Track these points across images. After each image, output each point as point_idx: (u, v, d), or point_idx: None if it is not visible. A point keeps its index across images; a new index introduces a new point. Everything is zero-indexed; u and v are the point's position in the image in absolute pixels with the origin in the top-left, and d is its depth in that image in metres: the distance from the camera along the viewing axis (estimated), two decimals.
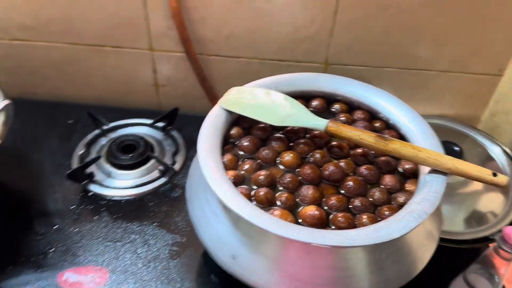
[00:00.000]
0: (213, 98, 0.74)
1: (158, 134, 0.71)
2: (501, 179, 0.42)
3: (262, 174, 0.45)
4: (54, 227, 0.57)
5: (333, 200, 0.44)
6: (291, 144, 0.50)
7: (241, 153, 0.48)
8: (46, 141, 0.69)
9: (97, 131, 0.70)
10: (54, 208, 0.59)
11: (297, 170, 0.47)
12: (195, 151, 0.44)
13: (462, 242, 0.57)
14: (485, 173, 0.42)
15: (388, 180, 0.46)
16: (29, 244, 0.55)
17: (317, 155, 0.48)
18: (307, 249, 0.39)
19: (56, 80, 0.77)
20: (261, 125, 0.51)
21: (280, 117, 0.49)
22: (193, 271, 0.53)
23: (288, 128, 0.51)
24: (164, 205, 0.60)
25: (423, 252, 0.43)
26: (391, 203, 0.44)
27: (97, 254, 0.54)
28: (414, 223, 0.38)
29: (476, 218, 0.59)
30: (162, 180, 0.64)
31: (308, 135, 0.51)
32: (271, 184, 0.45)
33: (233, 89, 0.51)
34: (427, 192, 0.41)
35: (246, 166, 0.46)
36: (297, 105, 0.50)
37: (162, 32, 0.69)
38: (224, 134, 0.48)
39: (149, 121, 0.72)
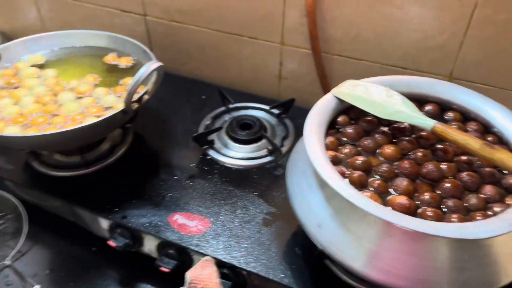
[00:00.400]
0: None
1: (273, 119, 0.78)
2: None
3: (359, 159, 0.48)
4: (174, 178, 0.67)
5: (426, 195, 0.44)
6: (395, 140, 0.52)
7: (344, 139, 0.52)
8: (182, 109, 0.80)
9: (223, 108, 0.79)
10: (177, 163, 0.69)
11: (395, 163, 0.49)
12: None
13: None
14: None
15: (489, 189, 0.45)
16: (152, 187, 0.65)
17: (419, 154, 0.49)
18: (390, 230, 0.41)
19: (198, 61, 0.89)
20: (368, 118, 0.53)
21: (389, 111, 0.51)
22: (281, 240, 0.58)
23: (395, 125, 0.53)
24: (266, 179, 0.66)
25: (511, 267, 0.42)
26: (486, 211, 0.43)
27: (203, 206, 0.62)
28: (505, 229, 0.38)
29: None
30: (269, 158, 0.70)
31: (414, 136, 0.52)
32: (366, 171, 0.47)
33: (347, 81, 0.55)
34: None
35: (346, 150, 0.50)
36: (409, 104, 0.51)
37: (294, 28, 0.75)
38: (331, 119, 0.52)
39: (267, 107, 0.79)
